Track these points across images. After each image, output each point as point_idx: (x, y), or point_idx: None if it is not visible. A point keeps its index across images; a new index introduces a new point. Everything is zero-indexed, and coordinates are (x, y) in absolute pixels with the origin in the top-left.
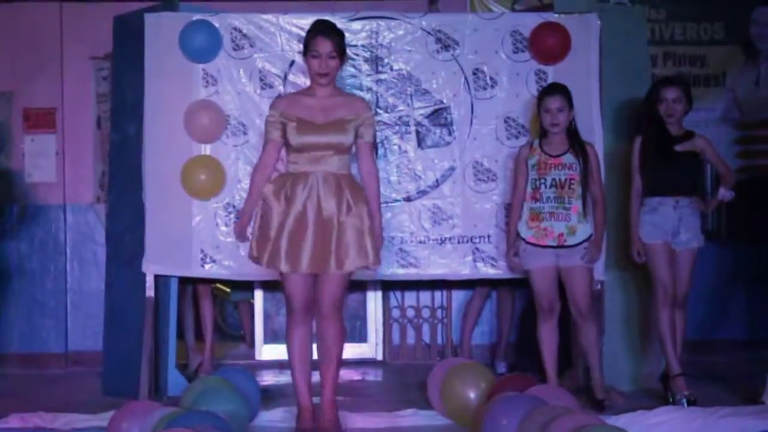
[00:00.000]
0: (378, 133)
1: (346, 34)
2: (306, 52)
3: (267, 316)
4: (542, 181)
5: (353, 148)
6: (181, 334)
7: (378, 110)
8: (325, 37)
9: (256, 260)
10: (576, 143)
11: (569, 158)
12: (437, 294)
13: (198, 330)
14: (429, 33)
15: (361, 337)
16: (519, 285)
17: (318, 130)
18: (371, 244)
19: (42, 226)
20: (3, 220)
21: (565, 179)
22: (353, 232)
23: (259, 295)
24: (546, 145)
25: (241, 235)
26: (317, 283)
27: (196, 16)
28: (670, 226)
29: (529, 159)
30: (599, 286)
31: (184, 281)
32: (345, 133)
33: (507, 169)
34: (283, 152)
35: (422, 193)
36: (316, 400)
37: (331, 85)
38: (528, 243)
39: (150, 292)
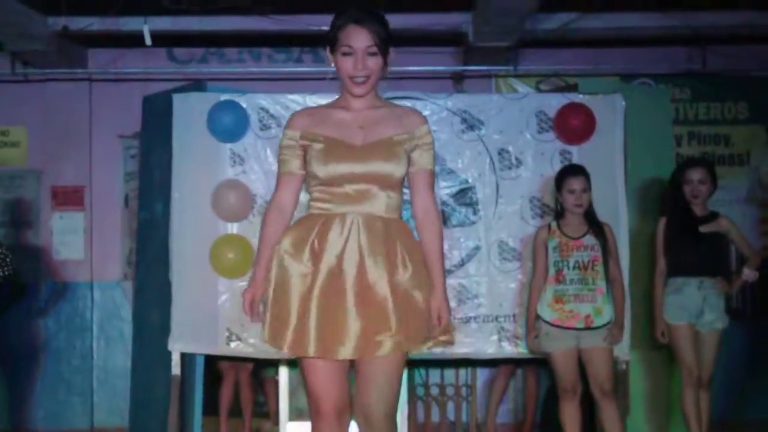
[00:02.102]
0: (403, 212)
1: None
2: (334, 49)
3: (292, 393)
4: (565, 263)
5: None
6: (209, 411)
7: (403, 190)
8: (360, 25)
9: (276, 345)
10: (594, 224)
11: (590, 239)
12: (462, 371)
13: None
14: (455, 113)
15: None
16: (544, 363)
17: (355, 154)
18: (438, 314)
19: (69, 303)
20: (31, 298)
21: (589, 260)
22: (412, 300)
23: (284, 372)
24: (565, 226)
25: (251, 311)
26: (359, 375)
27: (224, 97)
28: (694, 307)
29: (549, 241)
30: (624, 366)
31: (217, 359)
32: (394, 158)
33: (532, 248)
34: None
35: (448, 272)
36: None
37: (371, 94)
38: (552, 325)
39: (176, 370)
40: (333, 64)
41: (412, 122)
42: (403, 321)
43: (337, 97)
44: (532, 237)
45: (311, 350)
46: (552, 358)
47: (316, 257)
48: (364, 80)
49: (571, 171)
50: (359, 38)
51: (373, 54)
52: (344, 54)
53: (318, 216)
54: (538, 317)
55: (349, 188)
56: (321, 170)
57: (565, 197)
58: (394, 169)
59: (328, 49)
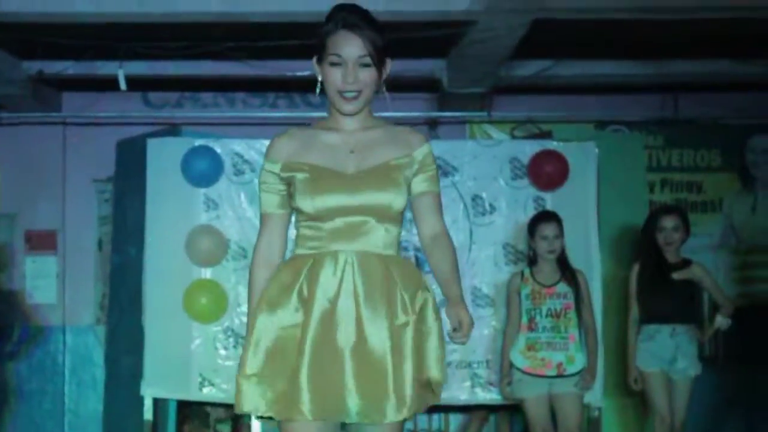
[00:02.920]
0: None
1: None
2: (321, 58)
3: None
4: (537, 310)
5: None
6: None
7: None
8: (352, 31)
9: (253, 408)
10: (567, 271)
11: (562, 287)
12: (435, 417)
13: None
14: None
15: None
16: (517, 410)
17: (347, 184)
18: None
19: (41, 347)
20: (3, 341)
21: (561, 308)
22: (416, 353)
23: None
24: (537, 273)
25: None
26: None
27: (198, 142)
28: (667, 354)
29: (521, 289)
30: (597, 413)
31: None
32: (393, 186)
33: (505, 295)
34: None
35: None
36: None
37: (364, 112)
38: (525, 373)
39: (148, 415)
40: (320, 77)
41: (412, 143)
42: (404, 385)
43: (324, 116)
44: (505, 283)
45: (304, 412)
46: (524, 404)
47: (306, 305)
48: (356, 95)
49: (543, 217)
50: (350, 46)
51: (366, 65)
52: (332, 64)
53: (306, 257)
54: (511, 364)
55: (340, 222)
56: (307, 204)
57: (537, 243)
58: (393, 199)
59: (315, 58)
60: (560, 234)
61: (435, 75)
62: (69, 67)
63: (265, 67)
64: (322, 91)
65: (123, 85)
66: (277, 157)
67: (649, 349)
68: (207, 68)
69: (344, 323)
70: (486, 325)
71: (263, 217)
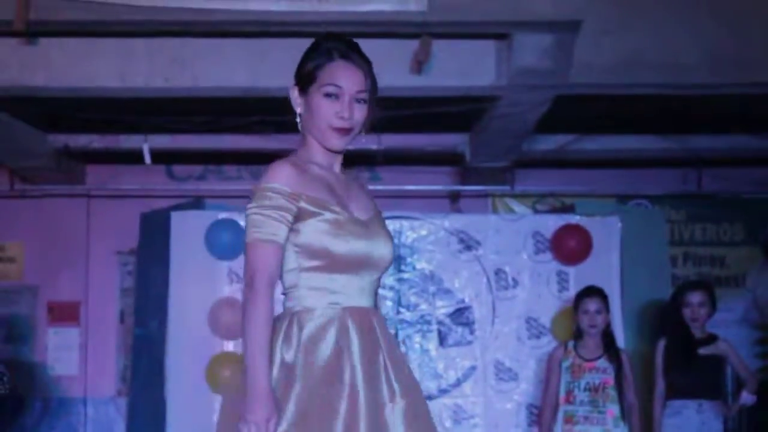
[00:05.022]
0: (400, 332)
1: None
2: (307, 89)
3: None
4: (576, 384)
5: None
6: None
7: (400, 309)
8: (352, 63)
9: None
10: (611, 348)
11: (603, 363)
12: None
13: None
14: (452, 233)
15: None
16: None
17: (368, 232)
18: None
19: (63, 419)
20: (25, 413)
21: (600, 383)
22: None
23: None
24: (581, 348)
25: None
26: None
27: (222, 215)
28: (692, 430)
29: (563, 361)
30: None
31: None
32: (391, 239)
33: (528, 368)
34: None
35: (443, 392)
36: None
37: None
38: None
39: None
40: (300, 109)
41: (370, 195)
42: None
43: (294, 151)
44: (528, 357)
45: None
46: None
47: (352, 378)
48: (347, 132)
49: (586, 292)
50: (350, 79)
51: (361, 101)
52: (327, 95)
53: (328, 316)
54: None
55: (365, 276)
56: (340, 247)
57: (580, 317)
58: (392, 250)
59: (296, 88)
60: (603, 309)
61: (458, 149)
62: (94, 141)
63: (288, 141)
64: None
65: (147, 159)
66: (292, 183)
67: (675, 424)
68: (230, 142)
69: (371, 394)
70: (509, 399)
71: (264, 245)
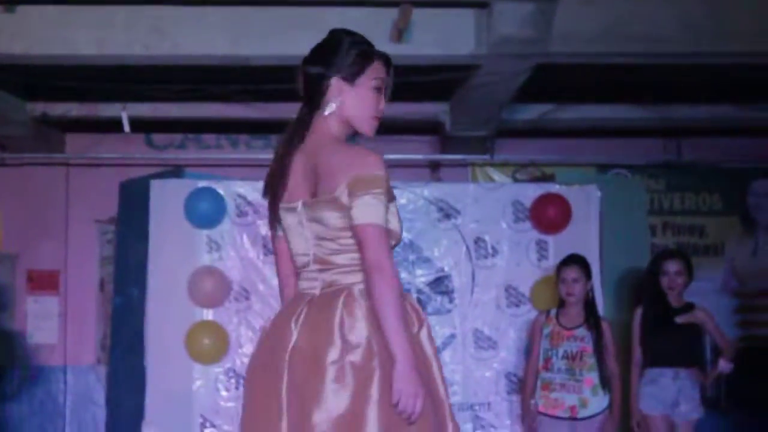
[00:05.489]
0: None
1: None
2: (356, 76)
3: None
4: (554, 351)
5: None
6: None
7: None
8: (386, 61)
9: None
10: (591, 317)
11: (582, 331)
12: None
13: None
14: (431, 202)
15: None
16: None
17: None
18: None
19: (42, 388)
20: (4, 382)
21: (577, 351)
22: None
23: None
24: (562, 316)
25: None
26: None
27: (201, 183)
28: (669, 398)
29: (544, 328)
30: None
31: None
32: None
33: (508, 337)
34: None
35: None
36: None
37: None
38: (539, 413)
39: None
40: (341, 96)
41: None
42: None
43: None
44: (507, 325)
45: None
46: None
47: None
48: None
49: (564, 261)
50: (390, 77)
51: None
52: (377, 89)
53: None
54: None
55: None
56: (398, 228)
57: (559, 286)
58: None
59: (339, 78)
60: (581, 278)
61: (438, 118)
62: (72, 109)
63: (268, 110)
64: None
65: (126, 127)
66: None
67: (651, 392)
68: (210, 110)
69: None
70: (488, 368)
71: (383, 230)
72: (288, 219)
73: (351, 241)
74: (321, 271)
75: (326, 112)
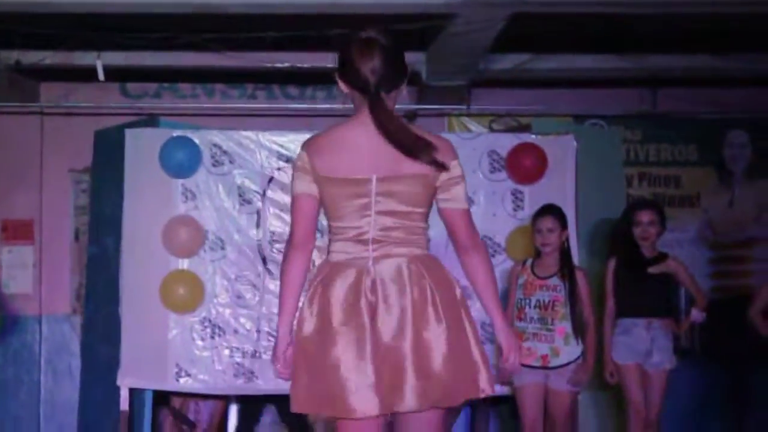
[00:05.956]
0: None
1: None
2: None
3: (242, 430)
4: (527, 301)
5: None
6: None
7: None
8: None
9: None
10: (566, 266)
11: (555, 281)
12: None
13: None
14: None
15: None
16: (495, 404)
17: None
18: None
19: (17, 337)
20: None
21: (549, 301)
22: None
23: (233, 410)
24: (537, 266)
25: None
26: None
27: (177, 132)
28: (642, 348)
29: (518, 278)
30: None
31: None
32: None
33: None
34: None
35: None
36: None
37: None
38: None
39: (124, 405)
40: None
41: None
42: None
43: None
44: None
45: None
46: (517, 392)
47: None
48: None
49: (540, 211)
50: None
51: None
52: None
53: None
54: None
55: None
56: None
57: (535, 236)
58: None
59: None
60: (555, 228)
61: (414, 68)
62: (46, 57)
63: (244, 59)
64: None
65: (101, 76)
66: None
67: (624, 342)
68: (185, 59)
69: None
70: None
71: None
72: None
73: None
74: None
75: None
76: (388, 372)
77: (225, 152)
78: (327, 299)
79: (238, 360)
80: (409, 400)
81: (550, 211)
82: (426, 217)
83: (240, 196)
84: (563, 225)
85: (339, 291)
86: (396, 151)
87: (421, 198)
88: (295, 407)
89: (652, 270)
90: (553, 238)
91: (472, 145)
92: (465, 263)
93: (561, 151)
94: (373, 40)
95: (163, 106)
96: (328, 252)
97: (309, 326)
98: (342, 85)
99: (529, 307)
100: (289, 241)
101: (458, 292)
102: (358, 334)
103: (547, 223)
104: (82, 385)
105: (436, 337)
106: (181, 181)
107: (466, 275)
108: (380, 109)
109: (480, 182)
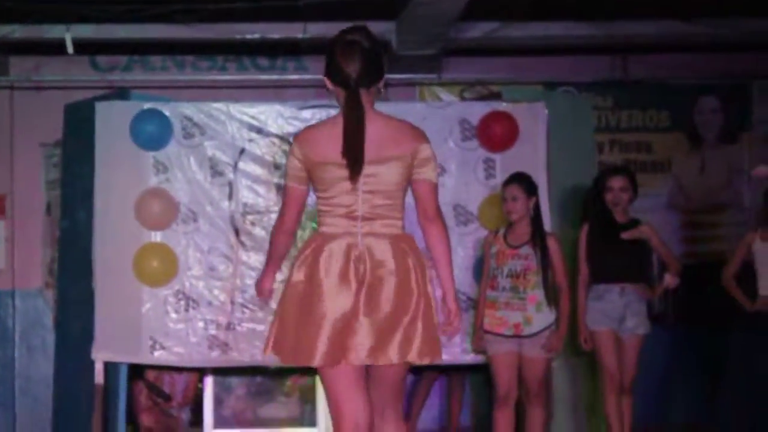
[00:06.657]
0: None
1: (297, 123)
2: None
3: (218, 401)
4: (499, 270)
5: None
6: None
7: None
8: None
9: None
10: (537, 234)
11: (526, 249)
12: None
13: None
14: None
15: (311, 422)
16: (470, 370)
17: None
18: None
19: None
20: None
21: (521, 270)
22: None
23: (209, 380)
24: (509, 234)
25: None
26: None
27: (147, 105)
28: (616, 313)
29: (491, 247)
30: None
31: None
32: None
33: (456, 255)
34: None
35: None
36: None
37: None
38: (485, 331)
39: (99, 378)
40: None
41: None
42: None
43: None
44: (456, 244)
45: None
46: (491, 360)
47: None
48: None
49: (507, 180)
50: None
51: None
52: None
53: None
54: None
55: None
56: None
57: (503, 204)
58: None
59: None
60: (519, 196)
61: (384, 37)
62: (15, 31)
63: (214, 30)
64: None
65: (70, 49)
66: None
67: (598, 308)
68: (155, 31)
69: None
70: (437, 285)
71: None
72: None
73: None
74: None
75: None
76: (374, 330)
77: (196, 124)
78: (317, 260)
79: (213, 332)
80: (391, 354)
81: (515, 179)
82: (404, 195)
83: (212, 168)
84: (530, 193)
85: (329, 254)
86: (378, 137)
87: (402, 178)
88: (270, 351)
89: (624, 235)
90: (518, 206)
91: (443, 114)
92: (427, 232)
93: (532, 118)
94: (356, 42)
95: (134, 78)
96: (319, 225)
97: (298, 278)
98: (327, 83)
99: (502, 276)
100: (278, 226)
101: (430, 271)
102: (345, 295)
103: (512, 191)
104: (56, 359)
105: (416, 305)
106: (152, 153)
107: (426, 243)
108: (354, 102)
109: (451, 151)
